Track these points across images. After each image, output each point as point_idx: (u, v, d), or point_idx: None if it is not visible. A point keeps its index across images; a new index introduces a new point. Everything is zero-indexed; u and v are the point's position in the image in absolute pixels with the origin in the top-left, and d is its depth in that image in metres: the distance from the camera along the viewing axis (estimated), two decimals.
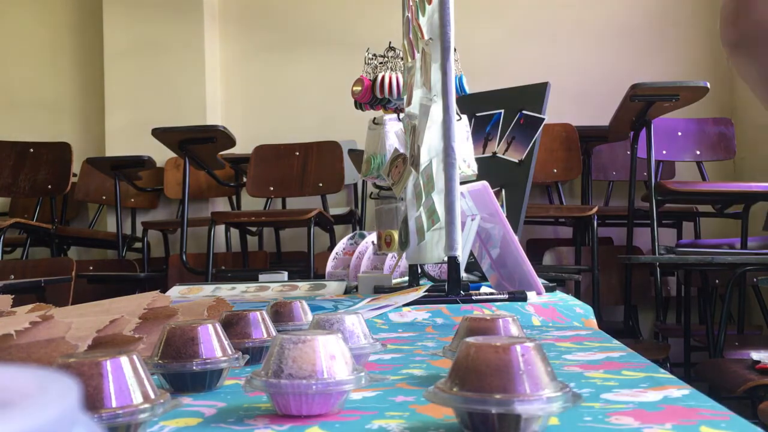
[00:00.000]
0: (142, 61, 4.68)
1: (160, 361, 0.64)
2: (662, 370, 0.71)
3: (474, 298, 1.33)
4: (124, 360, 0.48)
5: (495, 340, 0.50)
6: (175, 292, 1.85)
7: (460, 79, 1.85)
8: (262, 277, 2.03)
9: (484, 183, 1.56)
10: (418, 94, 1.55)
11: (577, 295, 3.27)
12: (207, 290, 1.84)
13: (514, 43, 4.62)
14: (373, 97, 1.84)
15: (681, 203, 3.81)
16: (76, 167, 4.37)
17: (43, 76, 5.05)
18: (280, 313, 0.97)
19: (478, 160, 1.78)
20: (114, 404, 0.46)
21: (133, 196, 4.61)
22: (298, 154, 4.25)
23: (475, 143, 1.94)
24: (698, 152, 4.06)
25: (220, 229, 4.29)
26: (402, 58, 1.79)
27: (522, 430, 0.48)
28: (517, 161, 1.97)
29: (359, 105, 1.89)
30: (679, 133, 4.05)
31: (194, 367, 0.64)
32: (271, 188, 4.23)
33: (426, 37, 1.50)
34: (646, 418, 0.53)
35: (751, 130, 4.18)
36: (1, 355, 0.60)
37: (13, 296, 0.95)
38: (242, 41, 4.89)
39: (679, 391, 0.61)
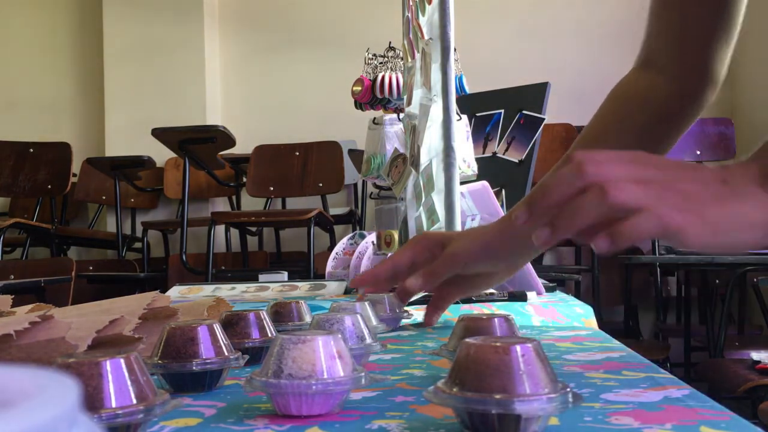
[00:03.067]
0: (142, 61, 4.68)
1: (160, 361, 0.64)
2: (662, 370, 0.71)
3: (474, 298, 1.33)
4: (123, 360, 0.48)
5: (495, 341, 0.50)
6: (175, 292, 1.85)
7: (460, 79, 1.85)
8: (262, 277, 2.03)
9: (484, 183, 1.56)
10: (418, 94, 1.55)
11: (577, 295, 3.27)
12: (207, 290, 1.84)
13: (514, 43, 4.62)
14: (373, 97, 1.84)
15: None
16: (76, 167, 4.37)
17: (43, 76, 5.05)
18: (280, 313, 0.97)
19: (478, 160, 1.78)
20: (114, 404, 0.46)
21: (133, 196, 4.61)
22: (298, 154, 4.25)
23: (475, 143, 1.94)
24: (698, 152, 4.06)
25: (220, 229, 4.29)
26: (402, 58, 1.79)
27: (522, 430, 0.48)
28: (517, 161, 1.97)
29: (359, 105, 1.89)
30: None
31: (194, 367, 0.64)
32: (271, 188, 4.23)
33: (426, 37, 1.50)
34: (646, 418, 0.53)
35: (751, 130, 4.18)
36: (1, 355, 0.60)
37: (13, 296, 0.95)
38: (242, 41, 4.89)
39: (679, 391, 0.61)
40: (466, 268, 0.86)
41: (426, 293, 1.40)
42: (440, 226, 1.39)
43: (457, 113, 1.51)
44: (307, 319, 0.97)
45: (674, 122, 0.94)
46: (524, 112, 2.01)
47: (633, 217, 0.52)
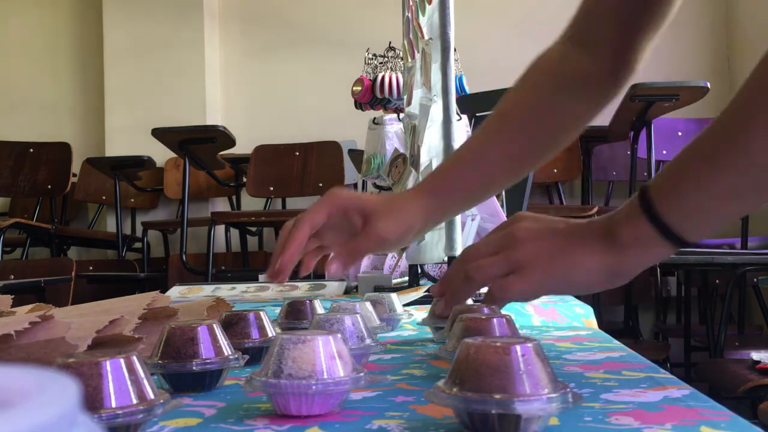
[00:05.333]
0: (142, 61, 4.68)
1: (160, 361, 0.64)
2: (662, 370, 0.71)
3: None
4: (123, 360, 0.48)
5: (495, 341, 0.50)
6: (175, 292, 1.85)
7: (460, 79, 1.85)
8: (262, 277, 2.03)
9: None
10: (418, 94, 1.55)
11: (577, 295, 3.27)
12: (207, 290, 1.84)
13: (514, 43, 4.62)
14: (373, 97, 1.84)
15: None
16: (76, 167, 4.37)
17: (43, 76, 5.05)
18: (296, 311, 0.99)
19: None
20: (114, 404, 0.46)
21: (133, 196, 4.61)
22: (298, 154, 4.25)
23: None
24: None
25: (220, 229, 4.29)
26: (402, 58, 1.79)
27: (522, 430, 0.48)
28: None
29: (359, 105, 1.89)
30: (680, 133, 4.05)
31: (194, 367, 0.64)
32: (271, 188, 4.23)
33: (426, 37, 1.50)
34: (646, 418, 0.53)
35: None
36: (1, 355, 0.60)
37: (13, 296, 0.95)
38: (242, 41, 4.89)
39: (679, 391, 0.61)
40: (388, 247, 0.91)
41: (426, 293, 1.40)
42: (440, 226, 1.39)
43: (457, 113, 1.51)
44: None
45: (590, 105, 0.93)
46: None
47: (494, 284, 0.70)
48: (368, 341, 0.75)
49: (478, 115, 2.11)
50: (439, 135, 1.41)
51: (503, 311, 0.80)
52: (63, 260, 3.64)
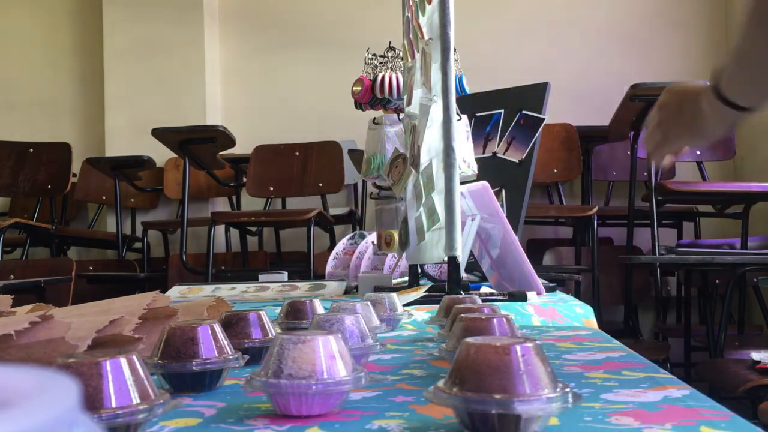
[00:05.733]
0: (142, 61, 4.68)
1: (159, 361, 0.64)
2: (662, 370, 0.71)
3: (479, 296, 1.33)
4: (123, 360, 0.48)
5: (495, 341, 0.50)
6: (175, 292, 1.85)
7: (460, 79, 1.85)
8: (262, 277, 2.03)
9: (484, 183, 1.56)
10: (418, 94, 1.55)
11: (577, 295, 3.27)
12: (207, 290, 1.84)
13: (514, 43, 4.62)
14: (373, 97, 1.84)
15: (681, 203, 3.81)
16: (76, 167, 4.36)
17: (43, 76, 5.05)
18: (296, 311, 0.99)
19: (478, 160, 1.78)
20: (114, 404, 0.46)
21: (133, 196, 4.61)
22: (298, 154, 4.25)
23: (475, 143, 1.94)
24: (698, 152, 4.06)
25: (220, 229, 4.29)
26: (402, 58, 1.79)
27: (522, 430, 0.48)
28: (517, 161, 1.97)
29: (359, 105, 1.89)
30: None
31: (194, 367, 0.64)
32: (271, 188, 4.23)
33: (426, 37, 1.50)
34: (646, 418, 0.53)
35: (751, 130, 4.18)
36: (1, 355, 0.60)
37: (13, 296, 0.95)
38: (242, 41, 4.89)
39: (679, 391, 0.61)
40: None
41: (426, 293, 1.40)
42: (440, 226, 1.39)
43: (457, 113, 1.51)
44: None
45: None
46: (524, 112, 2.01)
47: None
48: (368, 341, 0.75)
49: (478, 115, 2.11)
50: (439, 135, 1.41)
51: (503, 311, 0.80)
52: (63, 260, 3.64)
